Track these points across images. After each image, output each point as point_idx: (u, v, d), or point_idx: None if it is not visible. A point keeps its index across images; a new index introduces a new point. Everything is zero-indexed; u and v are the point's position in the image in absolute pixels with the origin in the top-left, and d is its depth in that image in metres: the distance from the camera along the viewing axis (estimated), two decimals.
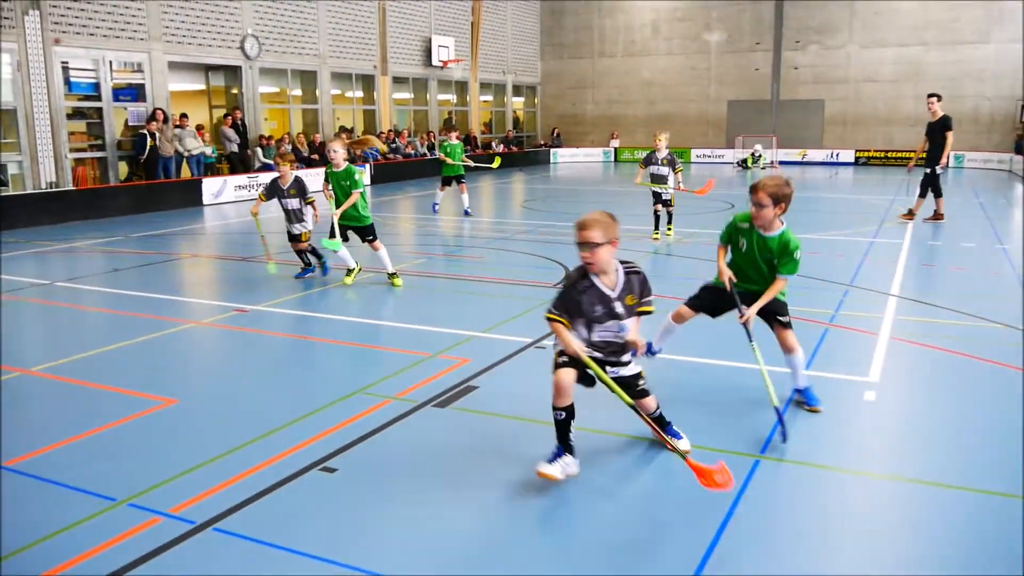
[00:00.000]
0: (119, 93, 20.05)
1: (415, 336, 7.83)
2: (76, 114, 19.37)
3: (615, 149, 37.71)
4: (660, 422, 5.03)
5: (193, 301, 9.83)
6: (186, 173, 20.85)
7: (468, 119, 34.02)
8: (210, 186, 20.65)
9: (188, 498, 4.52)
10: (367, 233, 10.30)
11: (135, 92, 20.42)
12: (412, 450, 5.21)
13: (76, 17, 18.59)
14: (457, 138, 17.64)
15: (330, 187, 10.22)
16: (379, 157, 24.58)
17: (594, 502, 4.53)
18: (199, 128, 21.36)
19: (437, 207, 18.20)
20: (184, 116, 20.72)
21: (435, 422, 5.67)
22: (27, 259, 13.14)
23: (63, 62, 18.50)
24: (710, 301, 6.08)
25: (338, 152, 10.07)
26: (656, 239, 13.46)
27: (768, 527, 4.25)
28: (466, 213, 17.36)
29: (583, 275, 4.74)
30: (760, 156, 32.77)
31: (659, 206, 13.52)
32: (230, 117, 22.36)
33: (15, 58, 17.47)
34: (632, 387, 4.86)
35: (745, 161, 32.79)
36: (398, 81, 29.78)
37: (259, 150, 22.79)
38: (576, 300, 4.71)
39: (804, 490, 4.69)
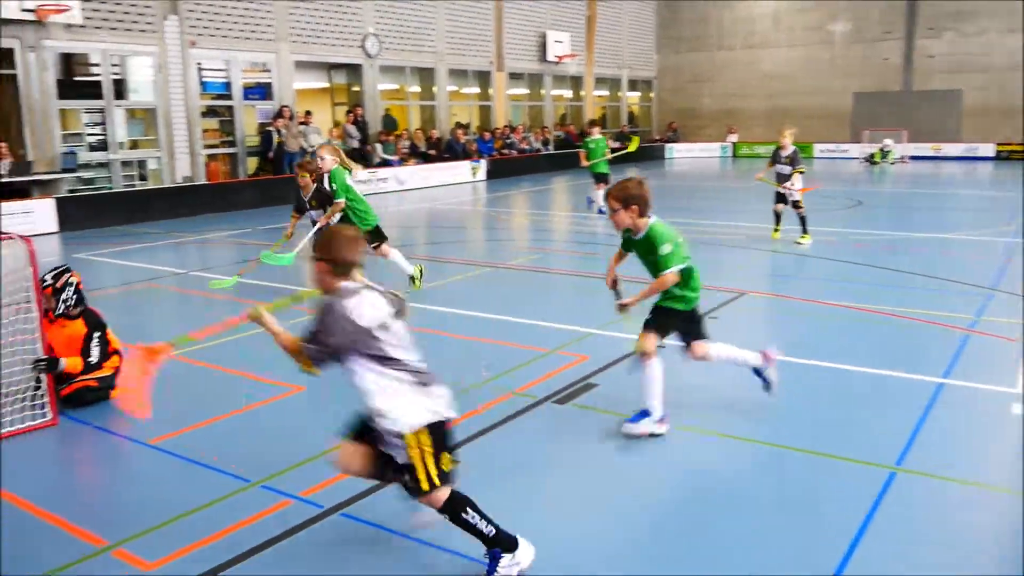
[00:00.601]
0: (248, 92, 20.92)
1: (532, 331, 7.87)
2: (209, 112, 20.33)
3: (733, 144, 36.89)
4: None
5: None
6: None
7: (582, 114, 33.94)
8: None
9: (317, 483, 4.68)
10: (371, 239, 9.42)
11: (263, 91, 21.27)
12: (532, 445, 5.25)
13: (211, 20, 19.49)
14: (600, 133, 16.99)
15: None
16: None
17: (712, 508, 4.45)
18: (337, 125, 22.04)
19: (604, 210, 17.34)
20: (308, 113, 21.44)
21: (555, 418, 5.69)
22: (165, 249, 13.88)
23: (198, 63, 19.43)
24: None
25: (325, 159, 9.25)
26: (776, 236, 12.99)
27: (903, 541, 4.08)
28: (600, 212, 16.44)
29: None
30: (889, 151, 31.41)
31: (779, 205, 12.90)
32: (352, 114, 22.99)
33: (156, 60, 18.47)
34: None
35: (873, 156, 31.53)
36: (513, 77, 29.97)
37: (378, 146, 23.35)
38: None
39: (940, 504, 4.48)
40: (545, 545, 3.98)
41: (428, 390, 3.69)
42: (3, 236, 5.85)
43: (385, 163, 23.11)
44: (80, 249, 13.31)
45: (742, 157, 36.33)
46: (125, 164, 18.46)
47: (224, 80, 20.33)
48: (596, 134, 16.81)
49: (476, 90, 28.86)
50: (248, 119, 21.09)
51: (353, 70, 23.93)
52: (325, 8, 22.21)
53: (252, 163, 21.17)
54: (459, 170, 25.14)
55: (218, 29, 19.68)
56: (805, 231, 12.54)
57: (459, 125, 27.04)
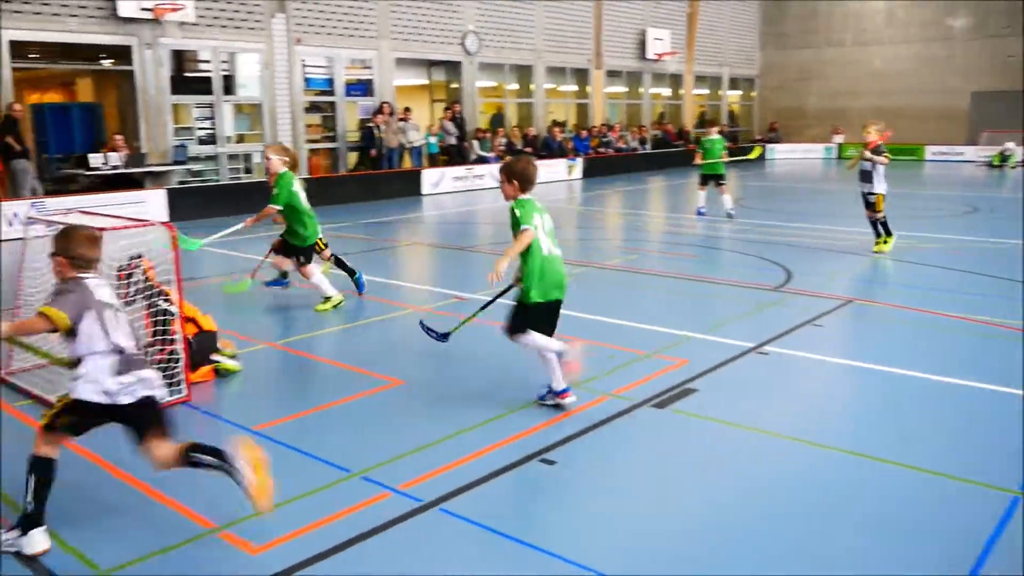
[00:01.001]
0: (350, 88, 21.40)
1: (628, 333, 7.80)
2: (312, 108, 20.87)
3: (839, 145, 35.77)
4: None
5: (415, 287, 10.32)
6: (407, 164, 21.92)
7: (681, 113, 33.50)
8: (429, 177, 21.58)
9: (416, 476, 4.74)
10: (293, 252, 8.80)
11: (364, 87, 21.72)
12: (629, 449, 5.20)
13: (316, 18, 20.00)
14: (719, 132, 16.47)
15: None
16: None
17: (818, 523, 4.32)
18: (455, 120, 22.36)
19: (703, 211, 16.30)
20: (408, 110, 21.80)
21: (653, 422, 5.63)
22: (267, 240, 14.26)
23: (302, 60, 19.98)
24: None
25: (271, 159, 8.57)
26: (881, 248, 11.80)
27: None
28: (728, 215, 15.75)
29: None
30: (1011, 155, 29.80)
31: (871, 211, 11.86)
32: (450, 111, 23.25)
33: (263, 57, 19.08)
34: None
35: (992, 160, 30.07)
36: (611, 75, 29.78)
37: (475, 143, 23.54)
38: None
39: None
40: (636, 552, 3.95)
41: (120, 376, 4.06)
42: (146, 223, 6.21)
43: (481, 160, 23.29)
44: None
45: (849, 159, 35.17)
46: (231, 157, 19.13)
47: (327, 77, 20.84)
48: (713, 134, 16.29)
49: (574, 88, 28.79)
50: (349, 115, 21.57)
51: (452, 67, 24.19)
52: (426, 6, 22.52)
53: (352, 158, 21.64)
54: (555, 168, 25.14)
55: (322, 27, 20.17)
56: (885, 234, 11.77)
57: (556, 123, 27.04)
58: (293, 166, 8.68)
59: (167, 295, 6.42)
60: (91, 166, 16.08)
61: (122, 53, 17.08)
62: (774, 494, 4.59)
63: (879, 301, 9.07)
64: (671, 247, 13.09)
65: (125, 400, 4.07)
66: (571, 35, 27.46)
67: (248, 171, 19.50)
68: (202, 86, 18.54)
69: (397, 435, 5.40)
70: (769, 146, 35.82)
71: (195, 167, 18.39)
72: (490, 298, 6.79)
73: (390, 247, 13.44)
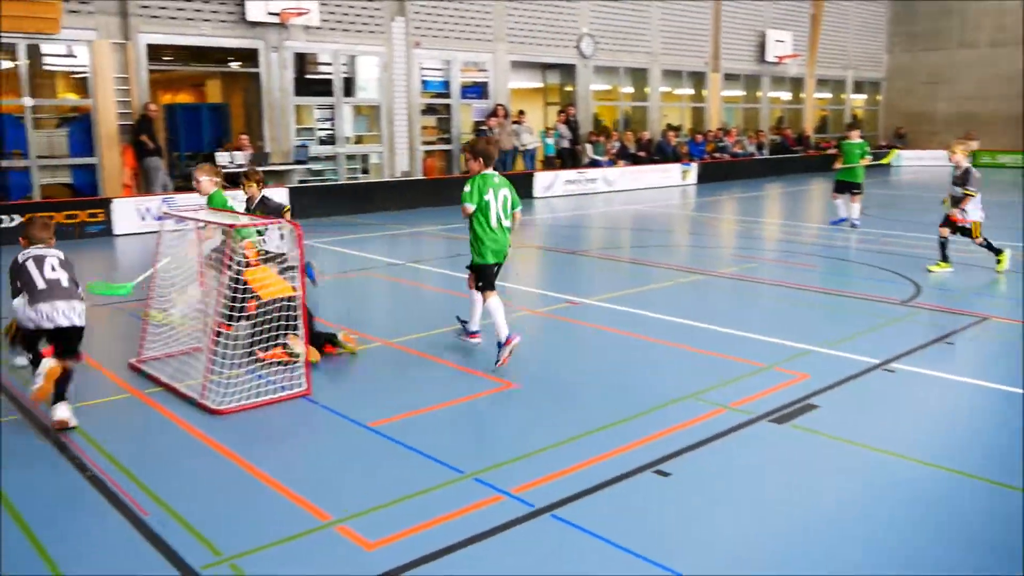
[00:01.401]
0: (465, 91, 21.66)
1: (745, 344, 7.60)
2: (428, 110, 21.23)
3: (971, 153, 33.97)
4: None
5: (528, 290, 10.34)
6: (519, 166, 22.02)
7: (801, 118, 32.55)
8: (542, 180, 21.63)
9: (528, 481, 4.73)
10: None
11: (479, 90, 21.96)
12: (746, 464, 5.06)
13: (434, 22, 20.34)
14: (860, 136, 15.62)
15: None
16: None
17: (950, 550, 4.10)
18: (568, 123, 22.43)
19: (842, 220, 15.62)
20: (522, 112, 21.91)
21: (772, 438, 5.46)
22: (381, 240, 14.63)
23: (420, 63, 20.34)
24: None
25: (200, 181, 8.27)
26: (932, 270, 10.96)
27: None
28: (852, 225, 15.18)
29: None
30: None
31: (944, 229, 10.97)
32: (564, 114, 23.24)
33: (382, 60, 19.53)
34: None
35: None
36: (729, 78, 29.18)
37: (588, 146, 23.46)
38: None
39: None
40: (748, 570, 3.83)
41: (39, 305, 5.61)
42: (270, 219, 6.49)
43: (594, 163, 23.20)
44: (306, 237, 14.27)
45: (981, 167, 33.46)
46: (349, 158, 19.65)
47: (443, 79, 21.16)
48: (855, 137, 15.48)
49: (689, 91, 28.36)
50: (464, 117, 21.83)
51: (567, 70, 24.18)
52: (542, 9, 22.59)
53: (463, 159, 21.89)
54: (669, 173, 24.82)
55: (440, 30, 20.49)
56: (995, 253, 10.98)
57: (670, 127, 26.69)
58: (222, 186, 8.44)
59: (246, 281, 6.74)
60: (217, 164, 16.76)
61: (249, 56, 17.78)
62: (897, 519, 4.38)
63: (1016, 319, 8.56)
64: (790, 256, 12.70)
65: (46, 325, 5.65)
66: (688, 37, 27.06)
67: (365, 171, 20.01)
68: (323, 88, 19.11)
69: (510, 438, 5.41)
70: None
71: (315, 166, 18.97)
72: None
73: None
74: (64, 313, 5.63)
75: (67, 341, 5.71)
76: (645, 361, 7.27)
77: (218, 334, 6.52)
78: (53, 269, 5.75)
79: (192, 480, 4.88)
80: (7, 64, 15.42)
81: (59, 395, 5.63)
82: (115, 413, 6.08)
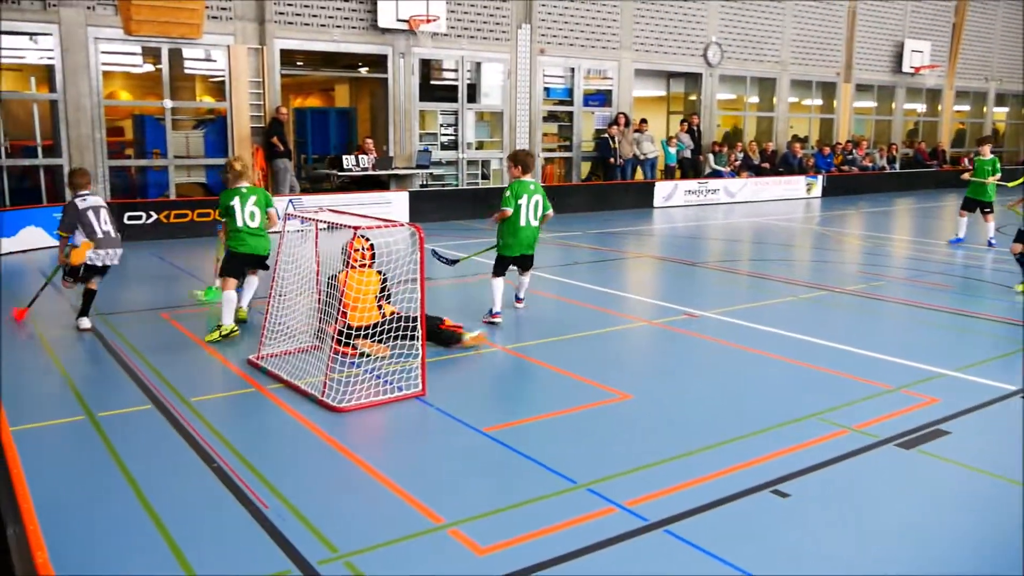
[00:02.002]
0: (588, 99, 21.65)
1: (870, 364, 7.30)
2: (550, 117, 21.32)
3: None
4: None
5: (645, 300, 10.24)
6: (640, 176, 21.85)
7: (936, 131, 31.10)
8: (662, 189, 21.39)
9: (642, 494, 4.67)
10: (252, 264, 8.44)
11: (602, 97, 21.91)
12: (870, 489, 4.85)
13: (559, 29, 20.41)
14: (991, 152, 14.89)
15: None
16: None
17: None
18: (691, 133, 22.21)
19: (961, 240, 15.03)
20: (644, 121, 21.73)
21: (898, 463, 5.22)
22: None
23: (543, 70, 20.45)
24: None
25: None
26: (1019, 289, 10.59)
27: None
28: (989, 244, 14.58)
29: None
30: None
31: (1017, 246, 10.34)
32: (686, 123, 22.91)
33: (506, 67, 19.73)
34: None
35: None
36: (861, 89, 28.15)
37: (711, 156, 23.06)
38: None
39: None
40: None
41: (99, 251, 8.13)
42: (396, 223, 6.67)
43: (716, 174, 22.78)
44: (427, 241, 14.54)
45: None
46: (470, 163, 19.91)
47: (566, 86, 21.21)
48: (986, 153, 14.74)
49: (818, 102, 27.50)
50: (586, 125, 21.81)
51: (692, 79, 23.85)
52: (670, 17, 22.36)
53: (585, 167, 21.88)
54: (793, 185, 24.14)
55: (565, 37, 20.55)
56: None
57: (796, 138, 25.96)
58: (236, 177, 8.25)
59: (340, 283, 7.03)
60: (343, 167, 17.29)
61: (377, 61, 18.26)
62: None
63: None
64: (921, 275, 12.12)
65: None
66: (820, 46, 26.25)
67: (485, 176, 20.22)
68: (447, 94, 19.44)
69: (624, 450, 5.35)
70: None
71: (436, 171, 19.31)
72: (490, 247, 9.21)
73: (618, 258, 13.45)
74: (112, 258, 8.22)
75: (103, 274, 8.36)
76: (764, 378, 7.07)
77: (340, 333, 6.72)
78: (106, 222, 8.20)
79: (311, 476, 5.03)
80: (151, 67, 16.35)
81: (84, 311, 8.35)
82: (239, 407, 6.33)
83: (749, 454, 5.27)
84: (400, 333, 7.07)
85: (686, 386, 6.85)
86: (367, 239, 7.76)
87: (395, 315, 7.40)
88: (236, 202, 8.00)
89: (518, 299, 9.37)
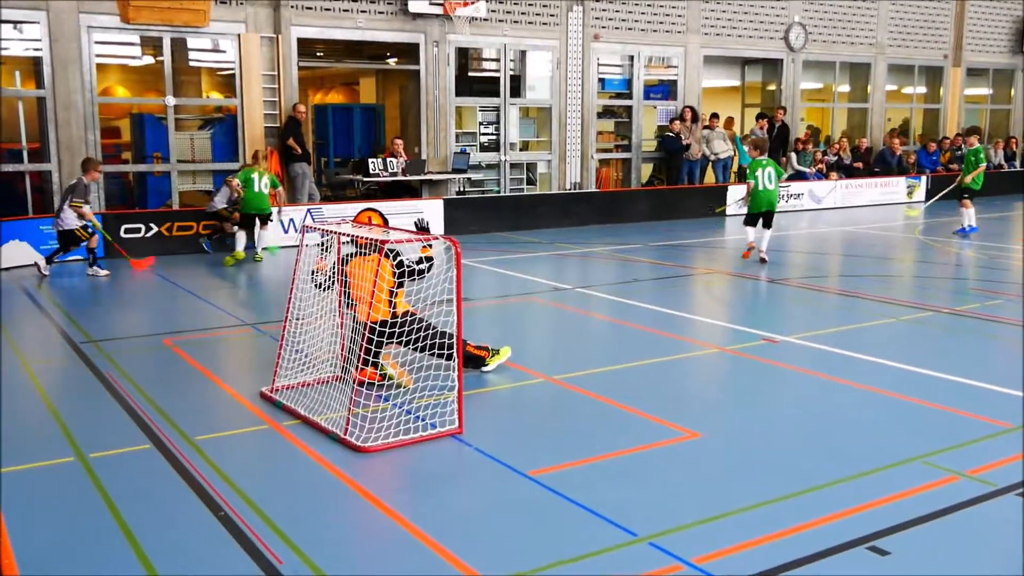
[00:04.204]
0: (649, 91, 21.68)
1: (988, 398, 7.19)
2: (605, 112, 21.39)
3: None
4: None
5: (715, 323, 10.19)
6: (710, 178, 21.77)
7: None
8: (735, 194, 21.27)
9: (713, 550, 4.64)
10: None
11: (666, 89, 21.92)
12: (985, 547, 4.77)
13: (616, 11, 20.51)
14: (979, 142, 17.17)
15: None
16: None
17: None
18: (770, 128, 22.11)
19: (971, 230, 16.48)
20: (715, 116, 21.63)
21: (1020, 517, 5.11)
22: (547, 260, 14.81)
23: (598, 59, 20.53)
24: None
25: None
26: None
27: None
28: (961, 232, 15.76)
29: None
30: None
31: None
32: (764, 118, 22.75)
33: (555, 56, 19.84)
34: None
35: None
36: (973, 74, 27.79)
37: (793, 155, 22.90)
38: None
39: None
40: None
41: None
42: (433, 236, 6.76)
43: (799, 176, 22.60)
44: (464, 255, 14.65)
45: None
46: (514, 166, 20.01)
47: (624, 77, 21.26)
48: (974, 143, 17.24)
49: (922, 90, 27.19)
50: (647, 121, 21.82)
51: (771, 66, 23.75)
52: None
53: (646, 170, 21.87)
54: (891, 188, 23.88)
55: (623, 20, 20.62)
56: None
57: (895, 133, 25.67)
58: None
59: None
60: (369, 172, 17.44)
61: (408, 51, 18.48)
62: None
63: None
64: None
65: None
66: (923, 25, 25.97)
67: (531, 182, 20.28)
68: (487, 87, 19.61)
69: (692, 497, 5.33)
70: None
71: (475, 175, 19.39)
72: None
73: (684, 275, 13.40)
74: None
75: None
76: (857, 413, 6.98)
77: (365, 362, 6.77)
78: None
79: (330, 526, 5.07)
80: (150, 60, 16.68)
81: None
82: (250, 446, 6.43)
83: (840, 504, 5.21)
84: (414, 340, 7.04)
85: (764, 423, 6.79)
86: (377, 211, 7.82)
87: (410, 315, 7.33)
88: (255, 176, 14.49)
89: (762, 259, 13.80)
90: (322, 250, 7.90)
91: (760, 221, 14.03)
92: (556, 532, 4.92)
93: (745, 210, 14.68)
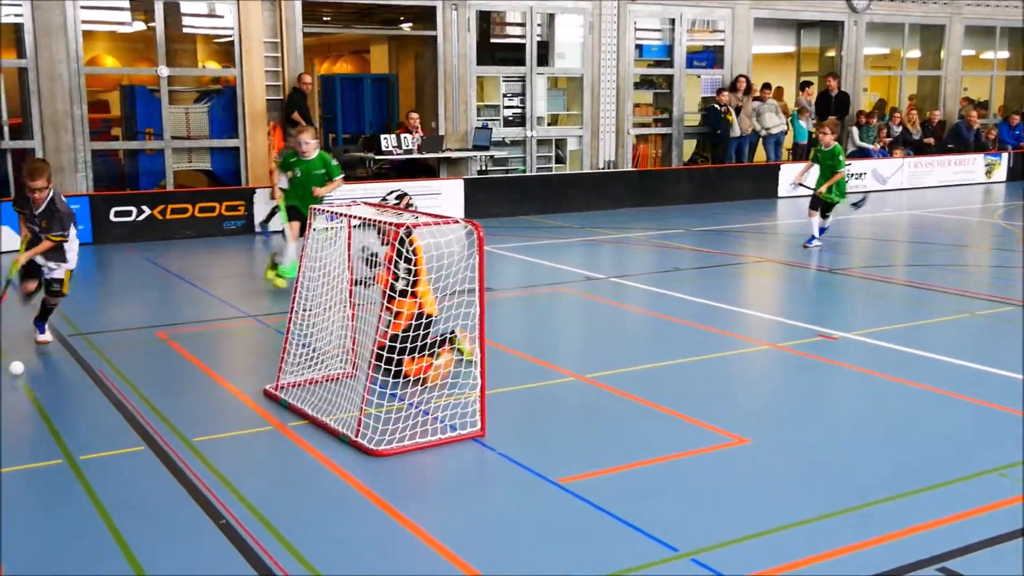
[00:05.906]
0: (693, 58, 21.57)
1: None
2: (643, 83, 21.33)
3: None
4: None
5: (766, 317, 10.18)
6: (760, 156, 21.66)
7: None
8: (789, 174, 21.16)
9: (763, 568, 4.66)
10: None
11: (711, 56, 21.81)
12: None
13: None
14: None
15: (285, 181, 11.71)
16: None
17: None
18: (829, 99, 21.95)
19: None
20: (767, 87, 21.50)
21: None
22: (578, 247, 14.83)
23: (635, 22, 20.43)
24: None
25: (309, 143, 11.12)
26: None
27: None
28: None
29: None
30: None
31: None
32: (809, 87, 22.52)
33: (587, 19, 19.78)
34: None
35: None
36: None
37: (854, 130, 22.75)
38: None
39: None
40: None
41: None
42: (450, 219, 6.77)
43: (862, 153, 22.46)
44: (486, 241, 14.70)
45: None
46: (541, 143, 19.99)
47: (664, 43, 21.16)
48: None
49: (1004, 55, 26.87)
50: (690, 92, 21.70)
51: (830, 29, 23.57)
52: None
53: (688, 147, 21.78)
54: (967, 166, 23.71)
55: None
56: None
57: (973, 104, 25.43)
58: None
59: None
60: (382, 149, 17.46)
61: (424, 15, 18.49)
62: None
63: None
64: None
65: None
66: None
67: (560, 160, 20.25)
68: (512, 55, 19.57)
69: (738, 510, 5.35)
70: None
71: (498, 153, 19.37)
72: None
73: (731, 263, 13.38)
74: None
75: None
76: (926, 419, 6.98)
77: (379, 354, 6.82)
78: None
79: (341, 536, 5.13)
80: (142, 26, 16.72)
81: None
82: (253, 449, 6.50)
83: (906, 520, 5.22)
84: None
85: (820, 429, 6.80)
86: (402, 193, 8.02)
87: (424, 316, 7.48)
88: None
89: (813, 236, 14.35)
90: (368, 264, 8.06)
91: (821, 208, 14.17)
92: (588, 546, 4.96)
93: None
